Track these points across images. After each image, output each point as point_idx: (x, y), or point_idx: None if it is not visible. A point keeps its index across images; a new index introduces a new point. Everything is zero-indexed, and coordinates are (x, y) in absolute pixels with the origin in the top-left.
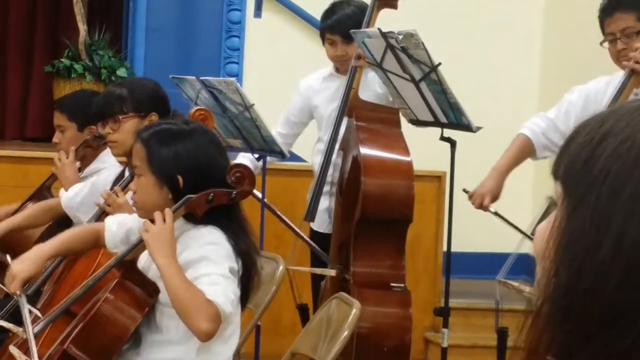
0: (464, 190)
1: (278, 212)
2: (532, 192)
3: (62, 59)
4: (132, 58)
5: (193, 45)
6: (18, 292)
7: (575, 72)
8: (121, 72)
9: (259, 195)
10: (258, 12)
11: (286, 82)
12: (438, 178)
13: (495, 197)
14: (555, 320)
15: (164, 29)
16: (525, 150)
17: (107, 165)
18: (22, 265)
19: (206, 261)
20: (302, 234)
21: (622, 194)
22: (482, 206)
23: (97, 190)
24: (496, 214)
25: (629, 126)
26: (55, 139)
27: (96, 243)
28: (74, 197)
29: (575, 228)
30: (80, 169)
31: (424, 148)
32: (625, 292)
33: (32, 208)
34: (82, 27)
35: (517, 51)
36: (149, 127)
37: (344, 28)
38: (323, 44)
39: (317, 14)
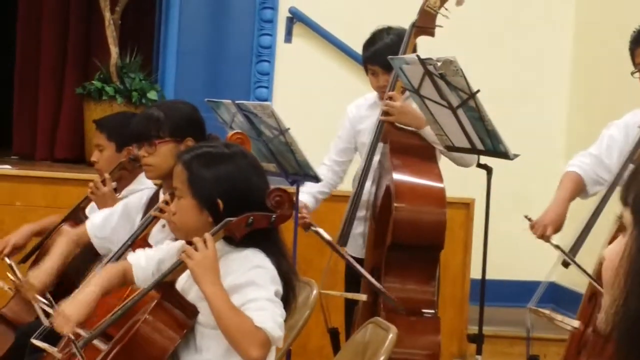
0: (527, 217)
1: (335, 245)
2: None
3: (94, 81)
4: (163, 81)
5: (223, 69)
6: (71, 336)
7: (604, 104)
8: (152, 94)
9: (327, 236)
10: (288, 37)
11: (315, 107)
12: (466, 205)
13: (557, 228)
14: (625, 347)
15: (194, 52)
16: (578, 187)
17: (145, 188)
18: (75, 309)
19: (253, 286)
20: (349, 257)
21: None
22: (543, 236)
23: (129, 215)
24: (558, 247)
25: None
26: (93, 158)
27: (124, 281)
28: (102, 226)
29: None
30: (117, 190)
31: (451, 174)
32: None
33: (60, 243)
34: (114, 50)
35: (545, 83)
36: (190, 149)
37: (383, 58)
38: (366, 73)
39: (347, 40)
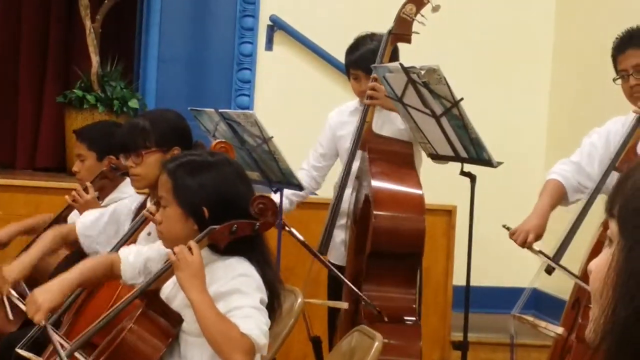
0: (505, 227)
1: (312, 249)
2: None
3: (75, 90)
4: (144, 89)
5: (204, 77)
6: (43, 323)
7: (584, 111)
8: (133, 103)
9: (299, 236)
10: (269, 45)
11: (296, 115)
12: (448, 212)
13: (539, 235)
14: (614, 355)
15: (175, 60)
16: (559, 195)
17: (127, 196)
18: (46, 295)
19: (238, 294)
20: (333, 267)
21: None
22: (525, 244)
23: (118, 221)
24: (540, 252)
25: None
26: (75, 168)
27: (110, 273)
28: (91, 225)
29: (632, 268)
30: (99, 199)
31: (433, 182)
32: None
33: (49, 235)
34: (95, 58)
35: (525, 87)
36: (175, 158)
37: (367, 63)
38: (348, 78)
39: (328, 48)
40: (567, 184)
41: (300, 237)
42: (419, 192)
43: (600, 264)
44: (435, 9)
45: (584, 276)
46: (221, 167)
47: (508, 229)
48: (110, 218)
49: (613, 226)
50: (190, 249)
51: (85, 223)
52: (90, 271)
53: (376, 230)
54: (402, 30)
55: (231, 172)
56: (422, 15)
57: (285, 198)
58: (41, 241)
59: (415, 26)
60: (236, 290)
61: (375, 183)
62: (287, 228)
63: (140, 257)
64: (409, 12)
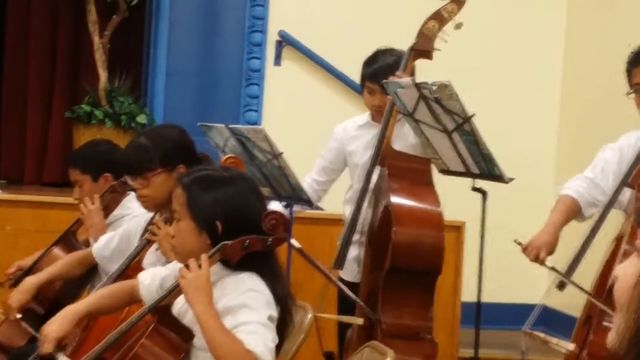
0: (517, 242)
1: (313, 260)
2: None
3: (83, 105)
4: (152, 104)
5: (212, 93)
6: (52, 353)
7: (593, 128)
8: (141, 118)
9: (297, 244)
10: (278, 60)
11: (304, 130)
12: (457, 228)
13: (551, 251)
14: None
15: (183, 76)
16: (573, 211)
17: (131, 212)
18: (52, 326)
19: (246, 309)
20: (339, 282)
21: None
22: (537, 259)
23: (129, 238)
24: (553, 268)
25: None
26: (75, 195)
27: (130, 299)
28: (105, 246)
29: None
30: (106, 216)
31: (441, 197)
32: None
33: (65, 259)
34: (103, 73)
35: (535, 102)
36: (190, 172)
37: (384, 78)
38: (362, 90)
39: (337, 63)
40: (582, 199)
41: (299, 245)
42: (438, 209)
43: (628, 275)
44: (458, 26)
45: (597, 291)
46: (236, 183)
47: (519, 244)
48: (121, 237)
49: None
50: (200, 263)
51: (99, 245)
52: (103, 299)
53: (396, 246)
54: (424, 46)
55: (246, 188)
56: (444, 32)
57: (282, 207)
58: (55, 265)
59: (437, 43)
60: (244, 305)
61: (395, 199)
62: (296, 246)
63: (156, 279)
64: (431, 28)
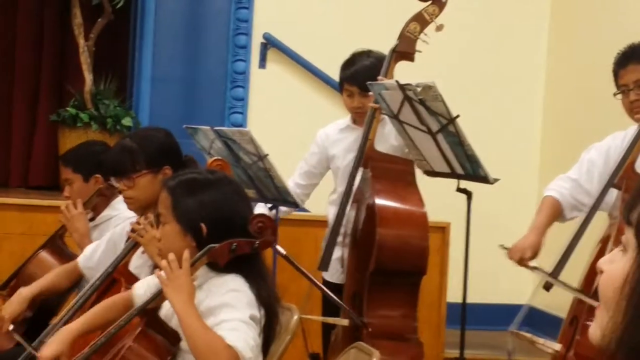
0: (502, 247)
1: (296, 263)
2: None
3: (68, 108)
4: (138, 107)
5: (198, 95)
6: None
7: (577, 129)
8: (126, 121)
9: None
10: (263, 62)
11: (290, 132)
12: (442, 229)
13: (535, 253)
14: None
15: (169, 78)
16: (556, 212)
17: (119, 213)
18: (49, 347)
19: (227, 307)
20: (324, 288)
21: None
22: (521, 260)
23: (115, 245)
24: (537, 268)
25: None
26: (65, 193)
27: (126, 311)
28: (90, 257)
29: None
30: (94, 218)
31: (426, 198)
32: None
33: (54, 272)
34: (88, 77)
35: (519, 102)
36: (175, 176)
37: (362, 79)
38: (341, 93)
39: (321, 65)
40: (564, 201)
41: (283, 251)
42: (422, 210)
43: (614, 271)
44: (439, 28)
45: (583, 293)
46: (221, 186)
47: (505, 248)
48: (107, 246)
49: (630, 235)
50: (181, 262)
51: (85, 256)
52: (102, 314)
53: (380, 247)
54: (406, 48)
55: (231, 191)
56: (426, 34)
57: (266, 209)
58: (45, 278)
59: (419, 45)
60: (226, 304)
61: (379, 201)
62: (281, 252)
63: (150, 288)
64: (412, 30)
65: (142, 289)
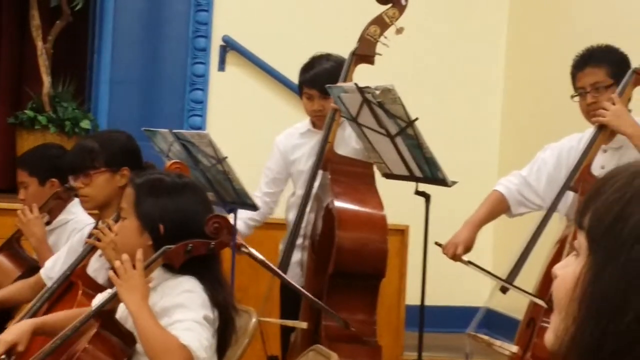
0: (437, 243)
1: (267, 262)
2: (492, 243)
3: (26, 111)
4: (96, 110)
5: (157, 98)
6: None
7: (536, 129)
8: (85, 124)
9: (257, 255)
10: (222, 65)
11: (249, 135)
12: (401, 232)
13: (468, 248)
14: None
15: (128, 81)
16: (500, 207)
17: (75, 217)
18: (6, 333)
19: (181, 308)
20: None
21: None
22: (455, 256)
23: (76, 252)
24: (469, 262)
25: None
26: (20, 196)
27: None
28: (52, 267)
29: (601, 290)
30: (50, 222)
31: (385, 201)
32: None
33: (17, 285)
34: (46, 79)
35: (478, 105)
36: (143, 174)
37: (322, 83)
38: (300, 97)
39: (281, 68)
40: (510, 196)
41: (260, 257)
42: (381, 213)
43: (567, 275)
44: (399, 31)
45: (540, 295)
46: (187, 192)
47: (440, 245)
48: (68, 253)
49: (582, 239)
50: (134, 262)
51: (47, 267)
52: (64, 320)
53: (340, 250)
54: (366, 51)
55: (196, 199)
56: (386, 37)
57: (243, 222)
58: (7, 289)
59: (379, 48)
60: (180, 305)
61: (339, 203)
62: (244, 250)
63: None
64: (372, 33)
65: (98, 300)
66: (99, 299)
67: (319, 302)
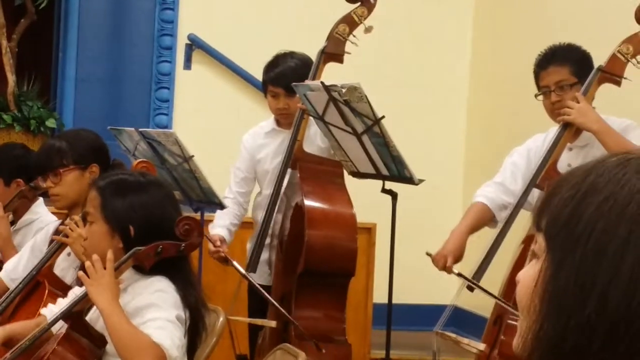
0: (428, 254)
1: (235, 264)
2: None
3: None
4: (62, 109)
5: (123, 97)
6: None
7: (501, 129)
8: (50, 122)
9: (241, 270)
10: (188, 63)
11: (215, 133)
12: (368, 230)
13: (457, 258)
14: None
15: (93, 80)
16: (484, 217)
17: (39, 217)
18: None
19: (154, 307)
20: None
21: (606, 253)
22: (445, 268)
23: (41, 251)
24: (460, 275)
25: (612, 183)
26: None
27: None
28: (14, 268)
29: (560, 285)
30: (14, 222)
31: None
32: (610, 352)
33: None
34: (11, 78)
35: (444, 103)
36: (106, 176)
37: (287, 81)
38: (265, 95)
39: (247, 67)
40: (492, 204)
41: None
42: (351, 211)
43: (527, 278)
44: (368, 29)
45: (507, 292)
46: (151, 189)
47: (429, 255)
48: (31, 252)
49: (540, 240)
50: (105, 262)
51: (8, 269)
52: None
53: (309, 249)
54: (335, 49)
55: (161, 195)
56: (354, 36)
57: (225, 229)
58: None
59: (348, 46)
60: (152, 304)
61: (308, 202)
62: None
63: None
64: (342, 32)
65: (57, 308)
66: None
67: (281, 308)
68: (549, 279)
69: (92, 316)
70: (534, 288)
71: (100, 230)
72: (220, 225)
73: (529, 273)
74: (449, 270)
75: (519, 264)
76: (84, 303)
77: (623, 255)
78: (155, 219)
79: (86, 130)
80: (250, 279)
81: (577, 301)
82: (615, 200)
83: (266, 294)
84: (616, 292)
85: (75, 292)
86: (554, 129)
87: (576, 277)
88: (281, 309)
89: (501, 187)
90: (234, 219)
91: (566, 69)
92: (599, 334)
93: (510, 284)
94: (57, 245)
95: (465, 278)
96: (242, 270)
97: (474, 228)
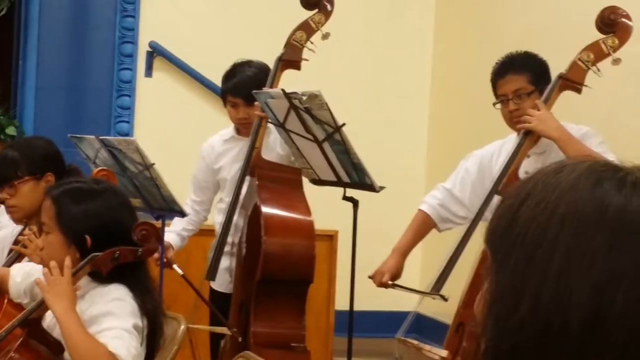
0: (370, 277)
1: (184, 276)
2: (420, 252)
3: None
4: (22, 116)
5: (83, 104)
6: None
7: (462, 135)
8: (10, 130)
9: (180, 271)
10: (149, 71)
11: (176, 140)
12: (330, 237)
13: (394, 275)
14: None
15: (54, 87)
16: (425, 227)
17: (1, 225)
18: None
19: (110, 316)
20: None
21: (536, 255)
22: (381, 284)
23: (3, 250)
24: (394, 285)
25: (544, 188)
26: None
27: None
28: None
29: (496, 290)
30: None
31: (314, 206)
32: (544, 353)
33: None
34: None
35: (405, 111)
36: (59, 184)
37: (245, 90)
38: (225, 105)
39: (208, 74)
40: (435, 215)
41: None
42: (309, 218)
43: (478, 298)
44: (325, 36)
45: (467, 301)
46: (106, 196)
47: (371, 277)
48: None
49: (488, 253)
50: (62, 269)
51: None
52: None
53: (266, 256)
54: (292, 56)
55: (117, 202)
56: (312, 43)
57: (176, 234)
58: None
59: (305, 53)
60: (109, 313)
61: (266, 209)
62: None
63: (29, 279)
64: (299, 39)
65: (20, 277)
66: (19, 275)
67: (216, 310)
68: (490, 286)
69: (49, 323)
70: (480, 311)
71: (57, 240)
72: (171, 230)
73: (484, 287)
74: (385, 286)
75: (479, 272)
76: (42, 310)
77: (552, 256)
78: (112, 226)
79: (38, 138)
80: (189, 281)
81: (511, 304)
82: (546, 203)
83: (202, 296)
84: (547, 292)
85: (33, 274)
86: (512, 136)
87: (511, 281)
88: (216, 311)
89: (449, 194)
90: (188, 224)
91: (523, 78)
92: (533, 335)
93: (471, 293)
94: (15, 255)
95: (400, 286)
96: (181, 272)
97: (415, 242)
